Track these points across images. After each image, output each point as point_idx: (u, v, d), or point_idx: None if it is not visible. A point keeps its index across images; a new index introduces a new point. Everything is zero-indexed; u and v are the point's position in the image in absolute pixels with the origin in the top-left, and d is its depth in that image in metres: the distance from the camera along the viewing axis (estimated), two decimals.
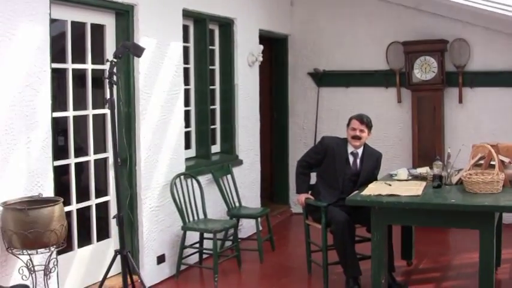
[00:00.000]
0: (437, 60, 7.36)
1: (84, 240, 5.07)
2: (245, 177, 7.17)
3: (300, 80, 8.40)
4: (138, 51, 4.33)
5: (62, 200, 4.13)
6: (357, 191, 5.37)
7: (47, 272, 4.11)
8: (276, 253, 6.66)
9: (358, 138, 5.52)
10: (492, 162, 5.17)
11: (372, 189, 5.06)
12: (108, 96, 4.27)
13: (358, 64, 7.99)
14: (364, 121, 5.51)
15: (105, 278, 4.40)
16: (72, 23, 4.83)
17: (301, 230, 7.74)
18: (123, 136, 5.09)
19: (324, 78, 8.21)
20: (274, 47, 8.31)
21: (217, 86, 6.90)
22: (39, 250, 3.93)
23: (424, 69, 7.47)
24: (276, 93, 8.49)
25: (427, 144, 7.61)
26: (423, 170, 5.69)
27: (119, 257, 4.30)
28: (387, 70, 7.82)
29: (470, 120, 7.51)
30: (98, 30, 5.16)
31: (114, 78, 4.20)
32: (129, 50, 4.31)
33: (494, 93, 7.37)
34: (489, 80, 7.34)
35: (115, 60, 4.21)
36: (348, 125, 5.60)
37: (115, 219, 4.37)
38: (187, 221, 5.76)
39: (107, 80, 4.21)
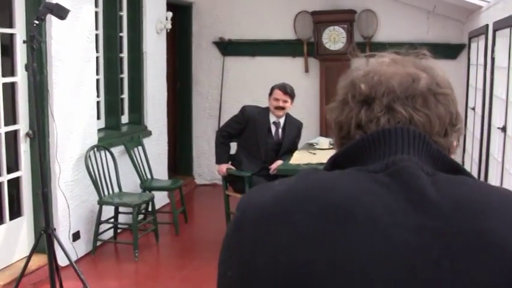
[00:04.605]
0: (345, 31, 7.43)
1: None
2: (153, 148, 6.94)
3: (204, 49, 8.20)
4: (63, 13, 3.99)
5: None
6: (281, 161, 5.35)
7: None
8: (190, 225, 6.52)
9: (282, 108, 5.47)
10: None
11: (299, 158, 5.04)
12: (27, 62, 3.93)
13: (265, 33, 7.91)
14: (288, 91, 5.46)
15: (29, 258, 4.07)
16: None
17: (209, 201, 7.68)
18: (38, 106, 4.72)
19: (229, 47, 8.07)
20: (178, 15, 8.02)
21: (125, 54, 6.58)
22: None
23: (333, 40, 7.51)
24: (179, 62, 8.25)
25: None
26: None
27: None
28: (294, 40, 7.80)
29: None
30: None
31: (35, 42, 3.86)
32: (52, 12, 3.97)
33: None
34: (395, 50, 7.48)
35: (37, 22, 3.86)
36: (270, 94, 5.52)
37: (38, 195, 4.06)
38: (102, 195, 5.48)
39: (27, 45, 3.88)
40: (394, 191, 0.92)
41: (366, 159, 0.99)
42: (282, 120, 5.55)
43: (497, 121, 5.04)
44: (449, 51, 7.36)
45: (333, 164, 1.03)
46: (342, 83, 1.08)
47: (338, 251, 0.88)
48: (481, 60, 5.99)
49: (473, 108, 6.58)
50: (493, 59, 5.22)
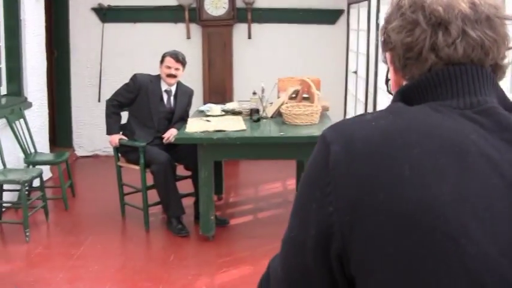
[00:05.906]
0: None
1: None
2: (35, 120, 6.61)
3: (82, 15, 7.85)
4: None
5: None
6: (174, 129, 5.31)
7: None
8: (78, 200, 6.32)
9: (174, 76, 5.40)
10: (304, 95, 5.43)
11: (195, 126, 5.01)
12: None
13: None
14: (180, 59, 5.40)
15: None
16: None
17: (93, 172, 7.48)
18: None
19: (108, 14, 7.79)
20: None
21: (1, 21, 6.18)
22: None
23: (215, 5, 7.47)
24: (56, 30, 7.87)
25: (218, 80, 7.72)
26: (234, 105, 5.78)
27: None
28: (176, 6, 7.67)
29: (258, 56, 7.71)
30: None
31: None
32: None
33: (281, 29, 7.64)
34: (276, 16, 7.59)
35: None
36: (162, 62, 5.43)
37: None
38: None
39: None
40: (489, 130, 0.94)
41: (439, 95, 0.99)
42: (173, 88, 5.49)
43: (383, 85, 5.26)
44: (328, 16, 7.58)
45: (402, 97, 1.02)
46: (401, 3, 1.04)
47: (462, 186, 0.90)
48: (364, 26, 6.20)
49: (356, 72, 6.83)
50: (377, 25, 5.42)
